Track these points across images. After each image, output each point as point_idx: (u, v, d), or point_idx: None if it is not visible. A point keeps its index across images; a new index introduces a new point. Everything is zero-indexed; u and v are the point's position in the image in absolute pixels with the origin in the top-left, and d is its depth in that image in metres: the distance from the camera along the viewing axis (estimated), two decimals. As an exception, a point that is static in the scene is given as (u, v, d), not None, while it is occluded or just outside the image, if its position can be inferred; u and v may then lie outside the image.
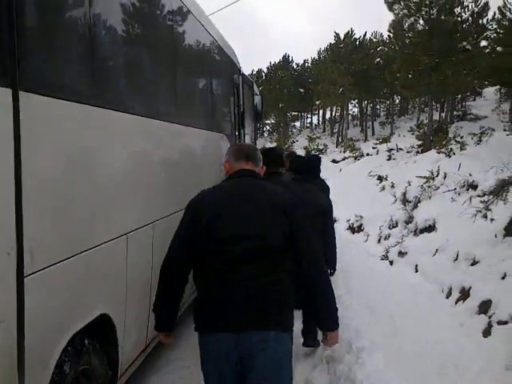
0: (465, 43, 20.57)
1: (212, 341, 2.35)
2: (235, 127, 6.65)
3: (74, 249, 2.35)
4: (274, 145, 32.71)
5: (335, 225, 5.01)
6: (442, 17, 20.49)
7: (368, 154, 23.40)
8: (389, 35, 23.92)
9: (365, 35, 44.36)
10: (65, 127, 2.30)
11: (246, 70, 7.67)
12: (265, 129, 56.90)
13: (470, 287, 5.10)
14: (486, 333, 4.30)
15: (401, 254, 7.49)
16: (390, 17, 21.60)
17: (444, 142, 13.30)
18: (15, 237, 1.87)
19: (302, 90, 51.76)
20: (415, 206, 8.61)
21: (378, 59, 37.38)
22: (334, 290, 2.48)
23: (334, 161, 25.98)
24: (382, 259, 7.79)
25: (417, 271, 6.71)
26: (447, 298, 5.53)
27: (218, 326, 2.32)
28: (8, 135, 1.85)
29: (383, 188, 11.93)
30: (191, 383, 3.89)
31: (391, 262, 7.54)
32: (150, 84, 3.58)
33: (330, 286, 2.45)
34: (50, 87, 2.20)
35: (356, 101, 49.08)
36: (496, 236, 5.46)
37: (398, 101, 48.22)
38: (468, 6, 22.24)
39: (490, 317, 4.44)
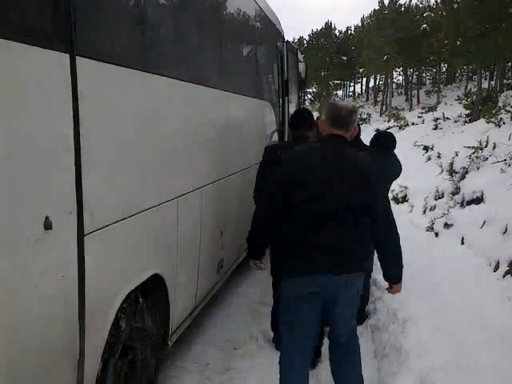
0: (516, 8, 19.52)
1: (302, 283, 2.71)
2: (279, 95, 6.60)
3: (130, 210, 2.43)
4: (315, 114, 32.28)
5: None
6: (492, -20, 19.47)
7: (413, 124, 22.79)
8: (436, 0, 22.96)
9: (410, 1, 42.83)
10: (119, 92, 2.35)
11: (288, 38, 7.54)
12: (306, 98, 56.24)
13: (520, 260, 4.98)
14: (535, 307, 4.22)
15: (446, 225, 7.32)
16: (439, -19, 20.67)
17: (493, 112, 12.79)
18: (75, 197, 1.94)
19: (344, 58, 50.69)
20: (462, 177, 8.38)
21: (425, 25, 36.04)
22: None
23: (377, 130, 25.51)
24: (427, 230, 7.65)
25: (463, 243, 6.57)
26: (494, 271, 5.41)
27: (311, 271, 2.68)
28: (66, 99, 1.90)
29: (429, 158, 11.64)
30: (235, 343, 3.99)
31: (436, 234, 7.40)
32: (200, 51, 3.59)
33: (400, 248, 2.84)
34: (106, 52, 2.24)
35: (401, 69, 47.72)
36: (548, 208, 5.29)
37: (444, 69, 46.61)
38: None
39: (539, 290, 4.34)
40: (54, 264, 1.86)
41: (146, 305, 2.73)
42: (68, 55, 1.89)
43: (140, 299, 2.64)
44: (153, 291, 2.81)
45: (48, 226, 1.76)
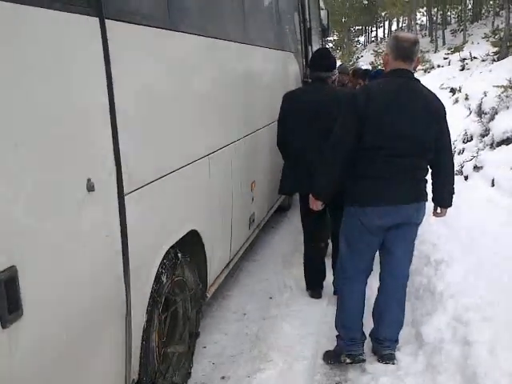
0: None
1: (373, 213, 2.90)
2: (302, 45, 6.49)
3: (165, 169, 2.49)
4: (337, 63, 31.57)
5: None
6: None
7: (439, 66, 22.13)
8: None
9: None
10: (149, 52, 2.37)
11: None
12: (327, 46, 54.67)
13: (552, 201, 4.94)
14: None
15: (476, 168, 7.23)
16: None
17: (523, 48, 12.33)
18: (113, 159, 2.01)
19: (365, 2, 49.01)
20: (492, 118, 8.18)
21: (450, -40, 34.31)
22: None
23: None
24: (457, 174, 7.57)
25: (493, 185, 6.51)
26: (525, 212, 5.38)
27: (381, 202, 2.87)
28: (99, 62, 1.93)
29: (456, 101, 11.33)
30: (270, 293, 4.13)
31: (466, 177, 7.32)
32: (222, 6, 3.55)
33: (454, 173, 3.11)
34: (133, 14, 2.25)
35: (424, 9, 45.94)
36: None
37: (470, 6, 44.65)
38: None
39: None
40: (99, 224, 1.94)
41: (185, 259, 2.83)
42: (97, 19, 1.91)
43: (179, 254, 2.73)
44: (191, 246, 2.91)
45: (90, 187, 1.84)
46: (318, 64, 3.89)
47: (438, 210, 3.24)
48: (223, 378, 3.05)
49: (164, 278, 2.56)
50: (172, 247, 2.61)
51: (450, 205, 3.19)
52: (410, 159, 2.85)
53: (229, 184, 3.52)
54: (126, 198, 2.08)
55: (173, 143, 2.61)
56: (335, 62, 4.02)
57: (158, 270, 2.46)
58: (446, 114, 2.97)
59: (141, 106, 2.27)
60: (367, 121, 2.76)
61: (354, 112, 2.82)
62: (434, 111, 2.89)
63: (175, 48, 2.66)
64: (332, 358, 3.18)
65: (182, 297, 2.89)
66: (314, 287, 4.06)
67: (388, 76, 2.93)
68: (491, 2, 36.22)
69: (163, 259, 2.51)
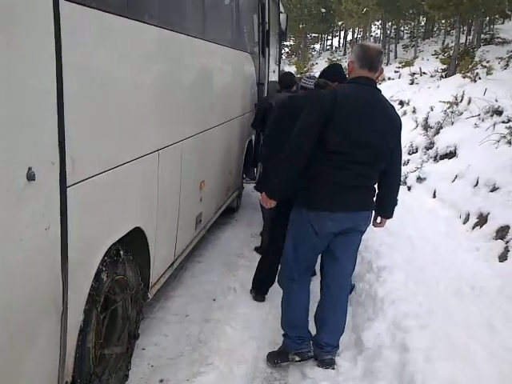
0: (499, -40, 19.22)
1: (326, 218, 2.89)
2: (260, 46, 6.47)
3: (112, 162, 2.40)
4: (292, 68, 32.08)
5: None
6: None
7: (390, 78, 22.67)
8: (419, -50, 22.39)
9: (392, -50, 41.72)
10: (103, 39, 2.26)
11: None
12: (283, 51, 55.02)
13: (489, 213, 5.13)
14: (503, 257, 4.38)
15: (419, 179, 7.47)
16: None
17: (470, 66, 12.82)
18: (58, 148, 1.90)
19: (323, 10, 49.69)
20: (437, 132, 8.49)
21: (405, -23, 35.29)
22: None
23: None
24: (401, 185, 7.78)
25: (435, 197, 6.73)
26: (464, 223, 5.58)
27: (335, 207, 2.87)
28: (49, 46, 1.82)
29: (404, 113, 11.62)
30: (213, 295, 4.09)
31: (409, 188, 7.55)
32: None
33: (400, 186, 3.23)
34: None
35: (379, 22, 47.08)
36: (519, 163, 5.42)
37: (423, 23, 46.13)
38: None
39: (507, 242, 4.50)
40: (38, 216, 1.83)
41: (127, 258, 2.73)
42: None
43: (121, 252, 2.64)
44: (134, 244, 2.82)
45: (31, 177, 1.73)
46: (323, 72, 3.81)
47: (378, 220, 3.30)
48: (162, 381, 2.98)
49: (104, 276, 2.46)
50: (114, 244, 2.51)
51: (392, 216, 3.26)
52: (366, 167, 2.86)
53: (177, 182, 3.44)
54: (68, 189, 1.98)
55: (121, 135, 2.52)
56: (340, 75, 3.93)
57: (98, 268, 2.36)
58: (401, 127, 3.02)
59: (91, 94, 2.17)
60: (331, 124, 2.74)
61: (319, 112, 2.78)
62: (394, 123, 2.93)
63: (130, 37, 2.56)
64: (278, 357, 3.18)
65: (122, 296, 2.79)
66: (258, 292, 4.05)
67: (353, 82, 2.91)
68: (443, 21, 37.51)
69: (104, 256, 2.42)
